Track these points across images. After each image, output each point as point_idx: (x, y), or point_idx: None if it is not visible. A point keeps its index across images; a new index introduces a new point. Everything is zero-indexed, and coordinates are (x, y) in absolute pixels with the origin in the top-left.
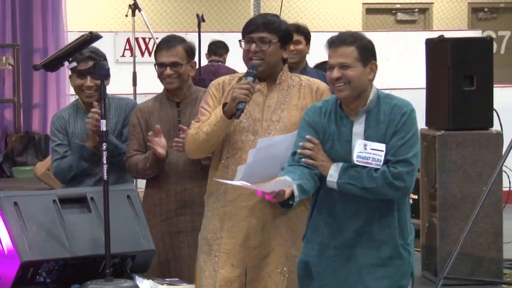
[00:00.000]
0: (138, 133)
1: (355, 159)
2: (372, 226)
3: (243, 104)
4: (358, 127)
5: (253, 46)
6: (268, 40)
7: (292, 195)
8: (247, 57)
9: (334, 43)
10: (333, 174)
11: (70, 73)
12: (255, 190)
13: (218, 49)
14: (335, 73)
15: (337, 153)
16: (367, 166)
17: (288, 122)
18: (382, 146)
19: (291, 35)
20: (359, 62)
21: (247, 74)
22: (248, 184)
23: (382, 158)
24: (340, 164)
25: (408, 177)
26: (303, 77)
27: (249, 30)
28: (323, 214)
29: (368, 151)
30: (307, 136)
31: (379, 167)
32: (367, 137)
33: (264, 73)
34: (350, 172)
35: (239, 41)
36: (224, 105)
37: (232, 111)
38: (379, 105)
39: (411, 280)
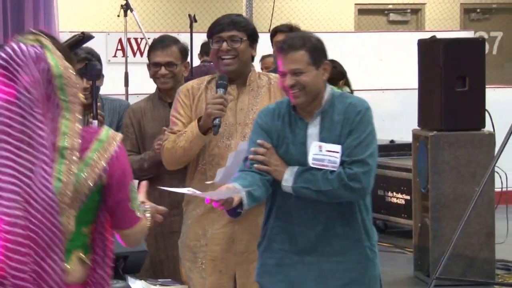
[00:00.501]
0: (131, 134)
1: (310, 161)
2: (334, 230)
3: (219, 119)
4: (313, 129)
5: (224, 44)
6: (238, 38)
7: (240, 202)
8: (217, 56)
9: (283, 48)
10: (288, 178)
11: None
12: (204, 198)
13: (210, 49)
14: (289, 80)
15: (292, 156)
16: (322, 169)
17: None
18: (338, 148)
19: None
20: (312, 66)
21: (218, 86)
22: (196, 191)
23: (338, 160)
24: (295, 168)
25: (365, 177)
26: (272, 75)
27: (218, 30)
28: (280, 221)
29: (323, 153)
30: (259, 141)
31: (335, 169)
32: (322, 138)
33: (236, 72)
34: (305, 175)
35: (209, 40)
36: (199, 119)
37: (208, 126)
38: (333, 104)
39: (379, 282)
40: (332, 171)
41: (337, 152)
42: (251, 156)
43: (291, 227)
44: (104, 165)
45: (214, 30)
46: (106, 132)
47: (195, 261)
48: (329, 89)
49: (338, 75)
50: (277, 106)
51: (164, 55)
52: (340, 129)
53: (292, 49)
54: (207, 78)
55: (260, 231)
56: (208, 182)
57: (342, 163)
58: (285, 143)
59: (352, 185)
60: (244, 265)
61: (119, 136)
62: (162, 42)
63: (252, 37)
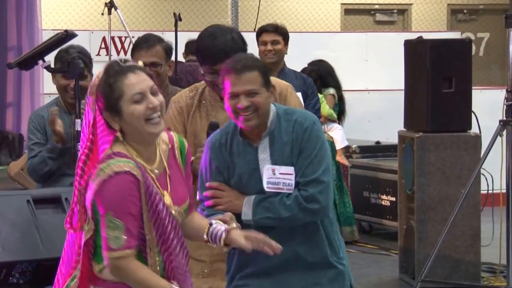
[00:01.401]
0: None
1: (265, 186)
2: (300, 248)
3: None
4: (264, 154)
5: (220, 79)
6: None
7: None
8: (214, 87)
9: (237, 69)
10: (246, 212)
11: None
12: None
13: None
14: (243, 101)
15: (246, 184)
16: (279, 192)
17: None
18: (291, 169)
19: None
20: (264, 87)
21: (207, 135)
22: None
23: (293, 182)
24: (251, 197)
25: (322, 196)
26: None
27: (208, 61)
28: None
29: (277, 176)
30: (207, 184)
31: (291, 191)
32: (274, 161)
33: None
34: (264, 204)
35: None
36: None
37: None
38: (280, 124)
39: None
40: (288, 195)
41: (291, 174)
42: (208, 204)
43: (255, 252)
44: None
45: (204, 60)
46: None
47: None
48: (273, 108)
49: (326, 73)
50: (221, 135)
51: (149, 55)
52: (290, 150)
53: (247, 69)
54: (199, 88)
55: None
56: None
57: (297, 184)
58: (237, 173)
59: (310, 207)
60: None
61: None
62: (147, 42)
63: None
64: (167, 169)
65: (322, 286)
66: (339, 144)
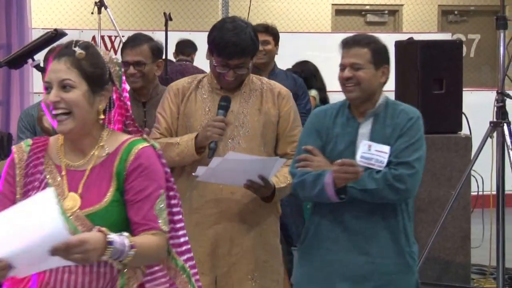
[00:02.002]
0: None
1: (358, 159)
2: (376, 232)
3: (215, 143)
4: (365, 129)
5: (231, 73)
6: (245, 65)
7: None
8: (220, 77)
9: (348, 43)
10: (331, 176)
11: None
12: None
13: (186, 48)
14: (346, 72)
15: (339, 154)
16: (369, 168)
17: (251, 127)
18: (387, 148)
19: (258, 47)
20: (371, 64)
21: (219, 107)
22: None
23: (385, 160)
24: None
25: (410, 179)
26: (265, 80)
27: (225, 56)
28: (323, 219)
29: (372, 152)
30: (303, 147)
31: (381, 169)
32: (372, 138)
33: (235, 86)
34: None
35: (214, 66)
36: (196, 135)
37: (202, 145)
38: (386, 110)
39: None
40: (378, 171)
41: (385, 153)
42: (299, 167)
43: (332, 227)
44: None
45: (221, 53)
46: None
47: None
48: (385, 96)
49: (309, 75)
50: (331, 107)
51: (133, 54)
52: (390, 132)
53: (357, 44)
54: (199, 77)
55: (243, 237)
56: (194, 174)
57: (388, 164)
58: (334, 141)
59: (397, 185)
60: (225, 267)
61: None
62: (133, 41)
63: (254, 52)
64: (87, 171)
65: (391, 274)
66: None
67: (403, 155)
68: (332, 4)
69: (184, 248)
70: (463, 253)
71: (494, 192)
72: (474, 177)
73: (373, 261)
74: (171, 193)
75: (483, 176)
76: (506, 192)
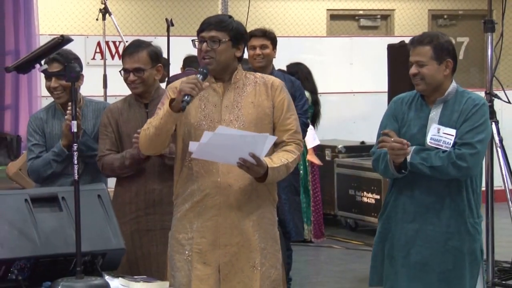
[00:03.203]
0: (110, 133)
1: (428, 140)
2: (443, 204)
3: (189, 97)
4: (434, 114)
5: (204, 45)
6: (218, 39)
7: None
8: (200, 57)
9: (414, 43)
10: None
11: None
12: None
13: (192, 63)
14: (413, 69)
15: (412, 135)
16: (437, 148)
17: (245, 120)
18: (453, 131)
19: (244, 35)
20: (434, 60)
21: (198, 73)
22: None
23: (452, 142)
24: (413, 147)
25: (471, 158)
26: (258, 74)
27: (200, 29)
28: (399, 194)
29: (440, 135)
30: (382, 131)
31: (447, 149)
32: (441, 122)
33: (215, 72)
34: (421, 154)
35: (192, 40)
36: (173, 100)
37: (179, 104)
38: (455, 97)
39: (480, 255)
40: (444, 151)
41: (452, 135)
42: (378, 146)
43: (406, 200)
44: None
45: (199, 29)
46: None
47: (183, 253)
48: (455, 85)
49: (302, 77)
50: (408, 95)
51: (132, 62)
52: (457, 117)
53: (420, 44)
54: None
55: (242, 226)
56: (189, 150)
57: (454, 145)
58: (408, 124)
59: (459, 163)
60: (227, 257)
61: None
62: (130, 49)
63: (236, 38)
64: None
65: (454, 240)
66: (310, 143)
67: (467, 137)
68: (327, 9)
69: None
70: None
71: (484, 188)
72: None
73: (440, 230)
74: None
75: None
76: (494, 188)
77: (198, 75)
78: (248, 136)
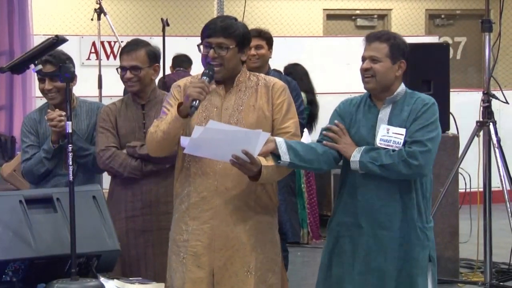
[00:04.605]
0: (111, 128)
1: (378, 141)
2: (393, 207)
3: (197, 102)
4: (383, 115)
5: (212, 52)
6: (226, 46)
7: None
8: (206, 62)
9: (370, 38)
10: (356, 155)
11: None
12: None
13: (182, 62)
14: (365, 64)
15: (361, 137)
16: (387, 148)
17: (245, 124)
18: (403, 131)
19: (249, 39)
20: (389, 58)
21: (202, 74)
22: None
23: (402, 141)
24: (363, 147)
25: (422, 156)
26: (261, 76)
27: (207, 35)
28: (347, 197)
29: (390, 135)
30: (335, 121)
31: (397, 148)
32: (391, 122)
33: (223, 77)
34: (371, 153)
35: (198, 45)
36: (180, 104)
37: (187, 109)
38: (405, 98)
39: (428, 262)
40: (394, 150)
41: (402, 135)
42: (324, 132)
43: (353, 201)
44: None
45: (204, 34)
46: None
47: (178, 255)
48: (404, 87)
49: (298, 78)
50: (356, 97)
51: (130, 59)
52: (407, 116)
53: (378, 39)
54: (200, 75)
55: (238, 230)
56: (181, 145)
57: (404, 144)
58: (357, 126)
59: (410, 161)
60: (222, 261)
61: None
62: (129, 47)
63: (242, 43)
64: None
65: (404, 246)
66: None
67: (417, 135)
68: (324, 9)
69: None
70: (452, 248)
71: (481, 189)
72: (461, 174)
73: (386, 232)
74: None
75: (470, 174)
76: (492, 189)
77: (204, 77)
78: (240, 131)
